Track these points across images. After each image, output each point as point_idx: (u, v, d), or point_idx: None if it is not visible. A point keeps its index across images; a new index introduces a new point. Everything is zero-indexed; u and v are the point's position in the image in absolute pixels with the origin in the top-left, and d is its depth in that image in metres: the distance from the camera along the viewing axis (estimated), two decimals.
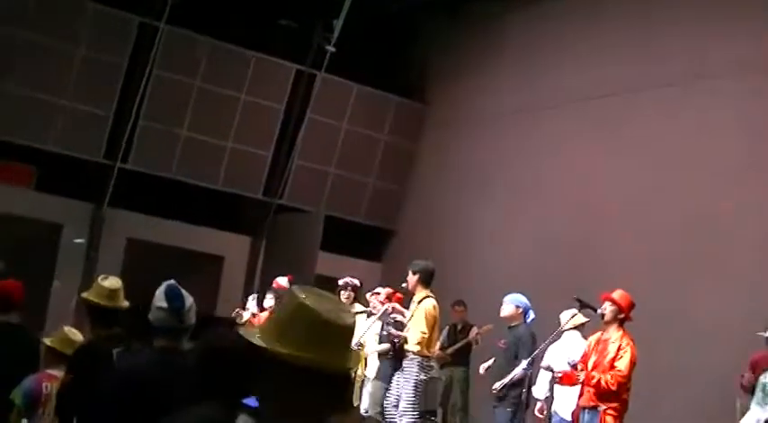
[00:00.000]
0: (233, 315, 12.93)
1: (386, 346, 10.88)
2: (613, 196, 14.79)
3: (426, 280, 10.28)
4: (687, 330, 12.51)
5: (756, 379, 9.67)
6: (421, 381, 10.06)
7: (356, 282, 12.85)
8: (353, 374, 10.92)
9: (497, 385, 10.02)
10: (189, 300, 4.71)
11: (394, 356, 10.33)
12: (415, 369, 10.03)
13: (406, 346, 10.09)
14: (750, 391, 9.69)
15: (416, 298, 10.24)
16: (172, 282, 4.73)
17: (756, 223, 12.59)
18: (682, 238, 13.49)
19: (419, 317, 10.05)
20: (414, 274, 10.29)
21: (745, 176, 12.95)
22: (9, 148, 16.56)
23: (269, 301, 12.73)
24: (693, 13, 14.10)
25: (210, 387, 3.11)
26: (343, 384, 2.56)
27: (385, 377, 10.62)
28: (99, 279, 5.81)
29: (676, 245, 13.54)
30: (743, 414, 9.57)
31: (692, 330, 12.46)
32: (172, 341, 4.65)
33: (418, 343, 9.97)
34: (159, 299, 4.66)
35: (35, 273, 14.15)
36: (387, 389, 10.77)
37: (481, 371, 11.24)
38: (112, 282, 5.77)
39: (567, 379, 8.77)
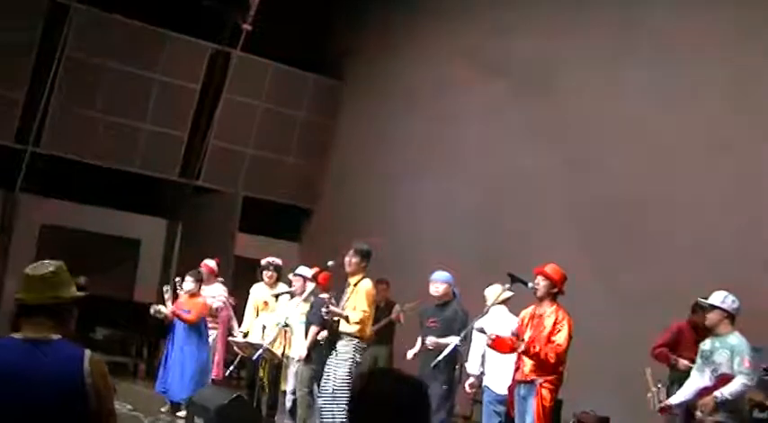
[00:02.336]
0: (152, 312, 12.63)
1: (314, 329, 10.79)
2: (535, 169, 14.86)
3: (367, 263, 10.21)
4: (612, 302, 12.67)
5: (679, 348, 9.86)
6: (356, 363, 9.94)
7: (278, 261, 12.80)
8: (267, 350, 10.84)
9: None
10: None
11: (328, 338, 10.21)
12: (351, 351, 9.92)
13: (341, 329, 9.97)
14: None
15: (353, 279, 10.12)
16: None
17: (682, 192, 12.81)
18: (606, 211, 13.65)
19: (359, 298, 9.94)
20: (357, 254, 10.16)
21: (671, 150, 13.12)
22: None
23: (188, 284, 12.46)
24: None
25: None
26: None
27: (319, 361, 10.50)
28: None
29: (601, 217, 13.70)
30: (654, 382, 9.75)
31: (617, 302, 12.62)
32: None
33: (359, 322, 9.87)
34: None
35: None
36: (314, 369, 10.71)
37: (409, 356, 10.94)
38: None
39: (499, 343, 8.79)
